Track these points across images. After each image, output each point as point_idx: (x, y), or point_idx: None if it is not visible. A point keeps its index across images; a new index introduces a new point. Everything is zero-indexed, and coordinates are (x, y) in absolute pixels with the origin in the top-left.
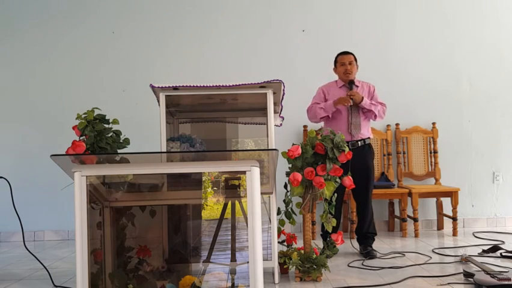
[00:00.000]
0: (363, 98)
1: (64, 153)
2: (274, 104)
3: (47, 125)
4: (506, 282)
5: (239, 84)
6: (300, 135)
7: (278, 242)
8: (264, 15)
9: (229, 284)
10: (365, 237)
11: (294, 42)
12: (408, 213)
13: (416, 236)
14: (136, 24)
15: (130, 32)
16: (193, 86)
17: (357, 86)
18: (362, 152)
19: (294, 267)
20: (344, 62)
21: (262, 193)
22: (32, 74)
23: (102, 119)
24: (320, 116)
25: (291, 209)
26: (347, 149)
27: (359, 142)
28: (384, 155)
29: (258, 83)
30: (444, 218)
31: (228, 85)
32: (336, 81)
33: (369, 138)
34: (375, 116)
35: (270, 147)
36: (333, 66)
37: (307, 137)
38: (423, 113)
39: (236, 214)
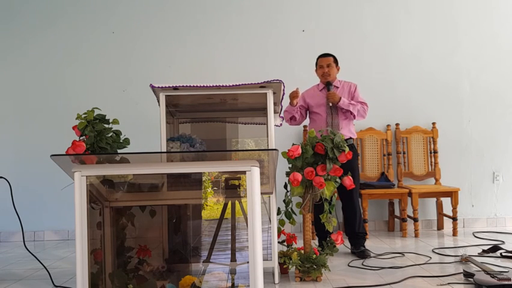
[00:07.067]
0: (340, 98)
1: (64, 153)
2: (274, 104)
3: (47, 125)
4: (506, 282)
5: (239, 84)
6: (300, 135)
7: (278, 242)
8: (264, 15)
9: (229, 284)
10: (357, 237)
11: (294, 42)
12: (408, 213)
13: (416, 236)
14: (136, 24)
15: (130, 32)
16: (193, 86)
17: (337, 87)
18: None
19: (294, 267)
20: (322, 64)
21: (262, 193)
22: (32, 74)
23: (102, 119)
24: (287, 117)
25: (291, 209)
26: (347, 149)
27: None
28: (384, 155)
29: (258, 83)
30: (444, 218)
31: (228, 85)
32: (318, 84)
33: (351, 138)
34: (354, 116)
35: (270, 147)
36: (314, 68)
37: (307, 137)
38: (423, 113)
39: (236, 214)
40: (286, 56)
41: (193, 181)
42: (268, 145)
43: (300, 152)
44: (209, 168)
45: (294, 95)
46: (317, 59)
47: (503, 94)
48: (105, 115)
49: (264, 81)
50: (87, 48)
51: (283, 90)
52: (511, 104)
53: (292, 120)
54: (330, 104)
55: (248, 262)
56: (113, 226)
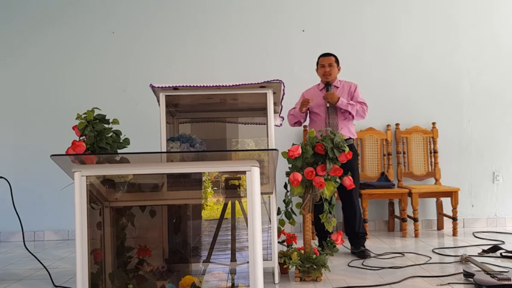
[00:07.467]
0: (339, 98)
1: (64, 153)
2: (274, 104)
3: (47, 125)
4: (506, 282)
5: (239, 84)
6: (300, 135)
7: (278, 242)
8: (264, 15)
9: (229, 284)
10: (357, 237)
11: (294, 42)
12: (408, 213)
13: (416, 236)
14: (136, 24)
15: (130, 32)
16: (193, 86)
17: (337, 87)
18: None
19: (294, 267)
20: (323, 64)
21: (262, 193)
22: (32, 74)
23: (102, 119)
24: (291, 122)
25: (291, 209)
26: (347, 149)
27: None
28: (384, 155)
29: (258, 83)
30: (444, 218)
31: (228, 85)
32: (318, 84)
33: (350, 138)
34: (353, 116)
35: (270, 147)
36: (315, 68)
37: (307, 137)
38: (423, 113)
39: (236, 214)
40: (286, 56)
41: (193, 181)
42: (268, 145)
43: (300, 152)
44: (209, 168)
45: (305, 104)
46: (318, 58)
47: (503, 94)
48: (105, 115)
49: (264, 81)
50: (87, 48)
51: (283, 90)
52: (511, 104)
53: (296, 124)
54: (328, 105)
55: (248, 262)
56: (113, 226)
